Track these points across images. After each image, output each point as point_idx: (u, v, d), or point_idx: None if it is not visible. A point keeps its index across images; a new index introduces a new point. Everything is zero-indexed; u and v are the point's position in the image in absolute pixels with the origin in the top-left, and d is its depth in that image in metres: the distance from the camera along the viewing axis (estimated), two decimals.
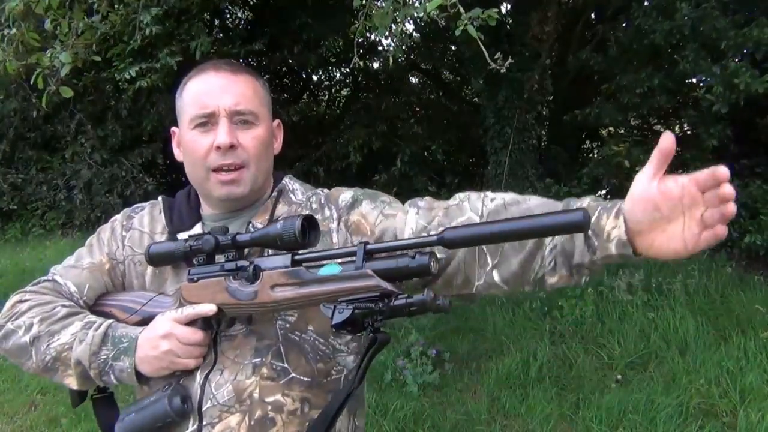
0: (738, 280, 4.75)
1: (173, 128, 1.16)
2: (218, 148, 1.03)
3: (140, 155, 8.74)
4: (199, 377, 1.04)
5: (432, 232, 0.96)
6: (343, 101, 11.75)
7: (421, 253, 0.83)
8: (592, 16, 8.07)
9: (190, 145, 1.07)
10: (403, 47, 9.80)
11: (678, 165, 6.21)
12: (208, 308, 0.99)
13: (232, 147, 1.03)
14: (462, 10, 2.30)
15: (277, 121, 1.17)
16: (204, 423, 1.03)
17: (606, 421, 3.12)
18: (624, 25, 6.37)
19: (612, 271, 4.83)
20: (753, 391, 3.23)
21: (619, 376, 3.59)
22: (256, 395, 1.03)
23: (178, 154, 1.14)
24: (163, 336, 0.99)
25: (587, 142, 9.33)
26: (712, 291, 4.55)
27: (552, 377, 3.64)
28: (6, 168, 9.01)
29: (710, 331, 3.94)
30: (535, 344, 3.98)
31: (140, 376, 1.03)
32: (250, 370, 1.03)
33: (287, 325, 1.04)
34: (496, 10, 2.36)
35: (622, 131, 8.26)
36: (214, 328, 1.02)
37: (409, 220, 1.01)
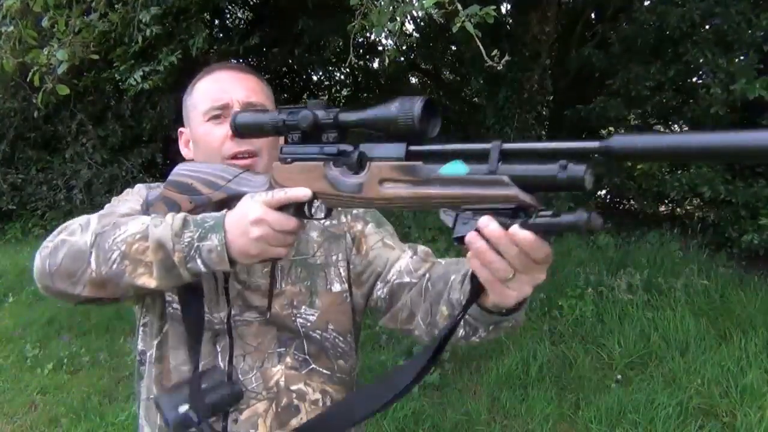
0: (738, 280, 4.74)
1: (180, 129, 1.18)
2: (232, 136, 1.03)
3: (140, 155, 8.75)
4: (222, 364, 1.04)
5: (416, 273, 1.03)
6: (343, 101, 11.75)
7: (576, 162, 0.66)
8: (592, 15, 8.06)
9: (204, 137, 1.08)
10: (403, 47, 9.80)
11: (679, 165, 6.21)
12: (303, 192, 0.86)
13: None
14: (460, 7, 2.31)
15: None
16: (231, 409, 1.04)
17: (606, 421, 3.12)
18: (624, 24, 6.36)
19: (612, 271, 4.83)
20: (753, 391, 3.23)
21: (619, 376, 3.59)
22: (282, 383, 1.05)
23: (186, 153, 1.16)
24: (255, 222, 0.85)
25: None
26: (712, 291, 4.54)
27: (552, 377, 3.63)
28: (6, 168, 8.99)
29: (710, 331, 3.94)
30: (535, 344, 3.97)
31: (231, 260, 0.89)
32: (276, 359, 1.06)
33: (308, 324, 1.08)
34: (493, 7, 2.37)
35: (623, 131, 8.24)
36: (308, 215, 0.90)
37: (402, 258, 1.08)
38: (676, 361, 3.62)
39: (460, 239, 0.71)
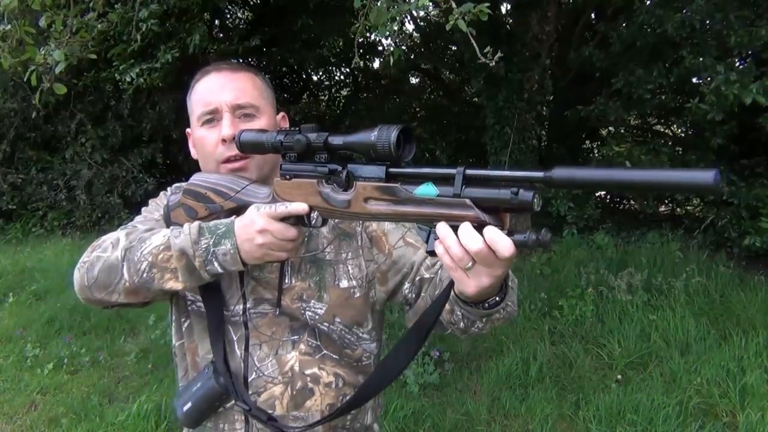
0: (738, 280, 4.74)
1: (187, 129, 1.24)
2: (223, 140, 1.12)
3: (140, 155, 8.75)
4: (239, 351, 1.14)
5: (433, 268, 1.15)
6: (343, 101, 11.75)
7: (526, 188, 0.78)
8: (592, 16, 8.06)
9: (199, 141, 1.17)
10: (403, 47, 9.80)
11: (681, 166, 6.23)
12: (301, 207, 0.99)
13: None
14: (454, 5, 2.32)
15: (281, 114, 1.25)
16: (250, 392, 1.14)
17: (606, 421, 3.11)
18: (624, 25, 6.35)
19: (612, 271, 4.83)
20: (753, 391, 3.23)
21: (619, 376, 3.59)
22: (296, 368, 1.14)
23: (194, 153, 1.22)
24: (260, 231, 0.99)
25: (588, 142, 9.33)
26: (712, 291, 4.55)
27: (552, 377, 3.63)
28: (6, 168, 8.99)
29: (710, 331, 3.94)
30: (535, 344, 3.97)
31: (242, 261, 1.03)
32: (290, 346, 1.15)
33: (316, 317, 1.15)
34: (487, 4, 2.37)
35: (623, 131, 8.25)
36: (307, 224, 1.03)
37: (420, 254, 1.17)
38: (676, 361, 3.62)
39: (432, 253, 0.84)
